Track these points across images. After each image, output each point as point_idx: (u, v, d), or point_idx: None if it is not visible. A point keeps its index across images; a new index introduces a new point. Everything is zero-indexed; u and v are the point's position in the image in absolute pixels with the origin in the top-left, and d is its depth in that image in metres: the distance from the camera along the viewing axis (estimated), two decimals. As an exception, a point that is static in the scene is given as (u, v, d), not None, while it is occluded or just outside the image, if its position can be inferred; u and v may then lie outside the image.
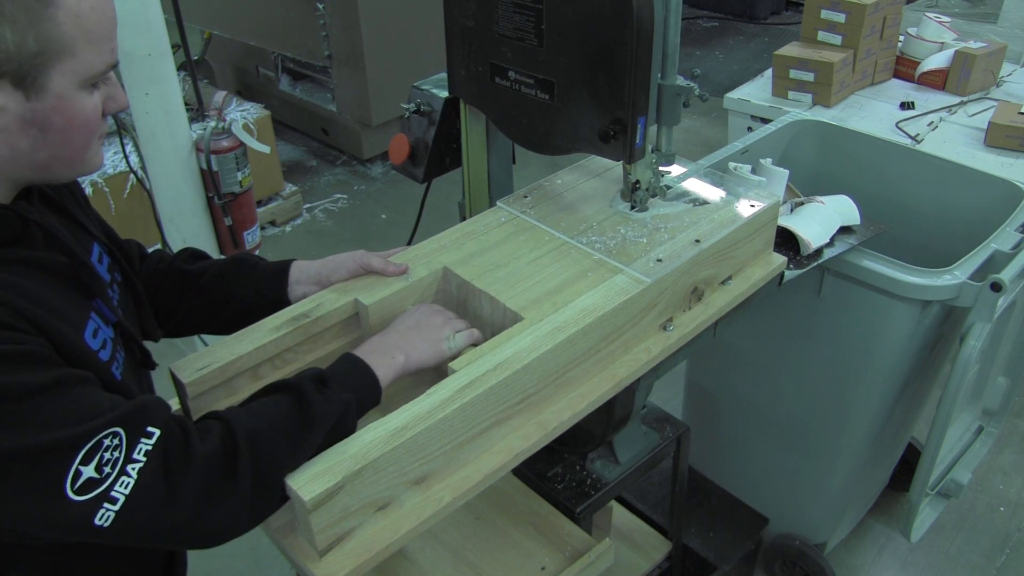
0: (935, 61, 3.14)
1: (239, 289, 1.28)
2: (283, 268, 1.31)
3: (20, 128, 0.88)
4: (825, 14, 3.07)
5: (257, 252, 2.82)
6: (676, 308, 1.36)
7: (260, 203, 4.06)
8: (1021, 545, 2.50)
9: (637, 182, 1.40)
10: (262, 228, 3.79)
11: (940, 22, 3.28)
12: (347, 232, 4.14)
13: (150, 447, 0.89)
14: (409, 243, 1.47)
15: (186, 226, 2.54)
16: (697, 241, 1.36)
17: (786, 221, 1.72)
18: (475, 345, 1.21)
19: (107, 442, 0.86)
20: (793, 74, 3.06)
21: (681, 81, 1.36)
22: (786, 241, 1.72)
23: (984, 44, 3.11)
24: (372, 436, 1.01)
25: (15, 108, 0.87)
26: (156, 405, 0.94)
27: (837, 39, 3.08)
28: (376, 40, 4.10)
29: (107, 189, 3.44)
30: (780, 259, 1.54)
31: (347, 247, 4.26)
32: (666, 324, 1.35)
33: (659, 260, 1.31)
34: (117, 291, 1.11)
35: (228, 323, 1.28)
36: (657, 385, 1.56)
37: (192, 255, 1.34)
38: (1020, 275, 1.76)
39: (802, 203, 1.82)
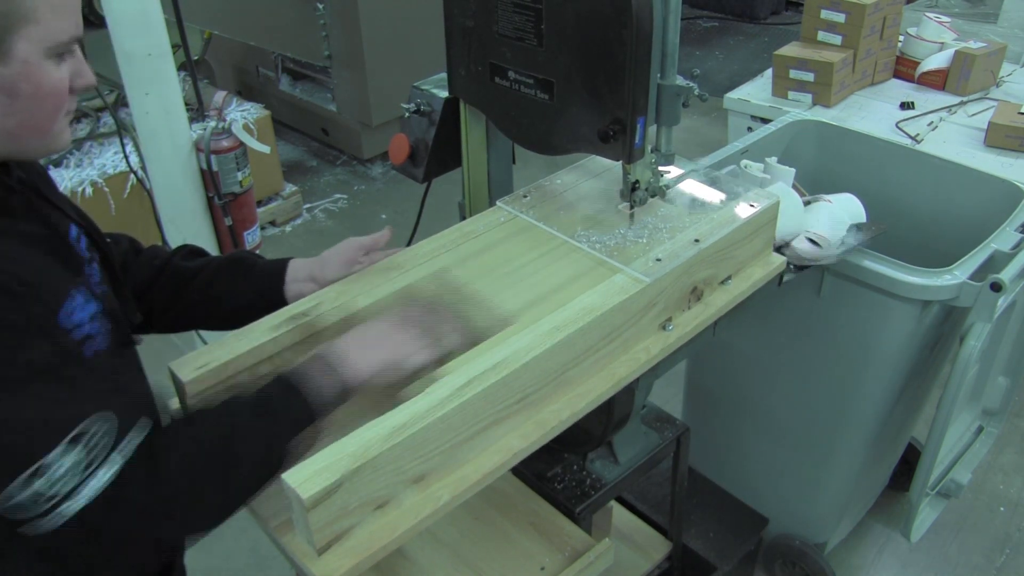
0: (935, 61, 3.14)
1: (236, 287, 1.28)
2: (280, 267, 1.31)
3: None
4: (825, 14, 3.07)
5: (257, 252, 2.83)
6: (675, 308, 1.36)
7: (260, 203, 4.06)
8: (1021, 545, 2.49)
9: (636, 182, 1.40)
10: (262, 228, 3.79)
11: (940, 22, 3.28)
12: (347, 232, 4.14)
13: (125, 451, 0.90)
14: (409, 243, 1.47)
15: (186, 226, 2.54)
16: (696, 241, 1.36)
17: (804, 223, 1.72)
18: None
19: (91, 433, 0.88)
20: (793, 74, 3.06)
21: (681, 81, 1.36)
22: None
23: (984, 44, 3.11)
24: (371, 434, 1.01)
25: None
26: (131, 406, 0.95)
27: (837, 39, 3.08)
28: (376, 40, 4.10)
29: (107, 189, 3.44)
30: (780, 259, 1.54)
31: (347, 247, 4.19)
32: (665, 324, 1.35)
33: (658, 260, 1.31)
34: (97, 270, 1.11)
35: (225, 321, 1.28)
36: (657, 385, 1.56)
37: (191, 252, 1.34)
38: (1020, 275, 1.76)
39: (809, 202, 1.82)
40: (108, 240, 1.23)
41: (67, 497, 0.87)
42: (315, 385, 1.05)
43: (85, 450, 0.88)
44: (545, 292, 1.26)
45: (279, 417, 1.03)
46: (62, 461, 0.86)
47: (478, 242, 1.39)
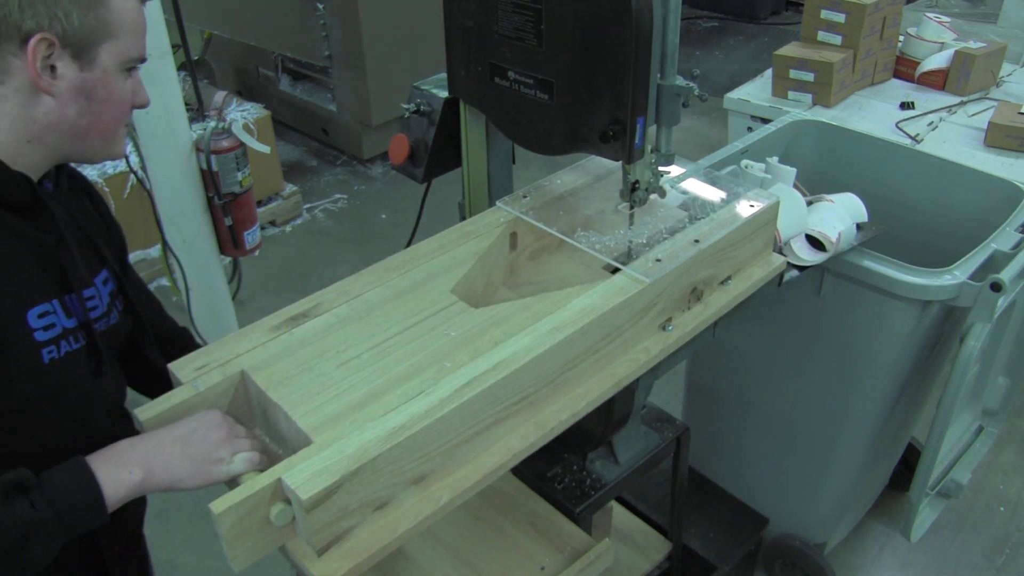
0: (935, 61, 3.14)
1: None
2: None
3: (71, 95, 1.03)
4: (825, 14, 3.07)
5: (257, 252, 2.82)
6: (675, 308, 1.36)
7: (260, 203, 4.06)
8: (1021, 545, 2.49)
9: (636, 182, 1.40)
10: (262, 228, 3.78)
11: (940, 22, 3.27)
12: (347, 232, 4.14)
13: None
14: (409, 243, 1.47)
15: (186, 226, 2.54)
16: (696, 241, 1.36)
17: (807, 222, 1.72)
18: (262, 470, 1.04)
19: None
20: (793, 74, 3.06)
21: (681, 81, 1.35)
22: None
23: (984, 44, 3.11)
24: (370, 435, 1.01)
25: (70, 77, 1.02)
26: None
27: (837, 39, 3.08)
28: (376, 40, 4.10)
29: (107, 189, 3.44)
30: (780, 259, 1.54)
31: (347, 247, 4.25)
32: (665, 324, 1.35)
33: (658, 260, 1.31)
34: (116, 317, 1.19)
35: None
36: (657, 385, 1.56)
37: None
38: (1020, 275, 1.76)
39: (811, 202, 1.82)
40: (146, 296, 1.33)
41: None
42: (109, 479, 0.98)
43: None
44: (356, 402, 1.10)
45: (58, 504, 0.94)
46: None
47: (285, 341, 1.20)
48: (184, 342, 1.42)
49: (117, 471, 0.99)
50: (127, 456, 1.01)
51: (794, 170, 1.83)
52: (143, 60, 1.10)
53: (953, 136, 2.81)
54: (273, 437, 1.14)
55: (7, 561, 0.91)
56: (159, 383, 1.19)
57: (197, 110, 3.33)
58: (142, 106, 1.13)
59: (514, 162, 1.69)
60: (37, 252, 1.05)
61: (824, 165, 2.32)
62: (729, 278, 1.45)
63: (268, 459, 1.07)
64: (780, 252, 1.62)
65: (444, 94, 1.62)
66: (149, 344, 1.27)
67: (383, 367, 1.14)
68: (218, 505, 0.94)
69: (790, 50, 3.10)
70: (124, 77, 1.08)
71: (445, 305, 1.27)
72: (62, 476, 0.97)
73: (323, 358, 1.16)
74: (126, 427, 1.16)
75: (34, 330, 1.02)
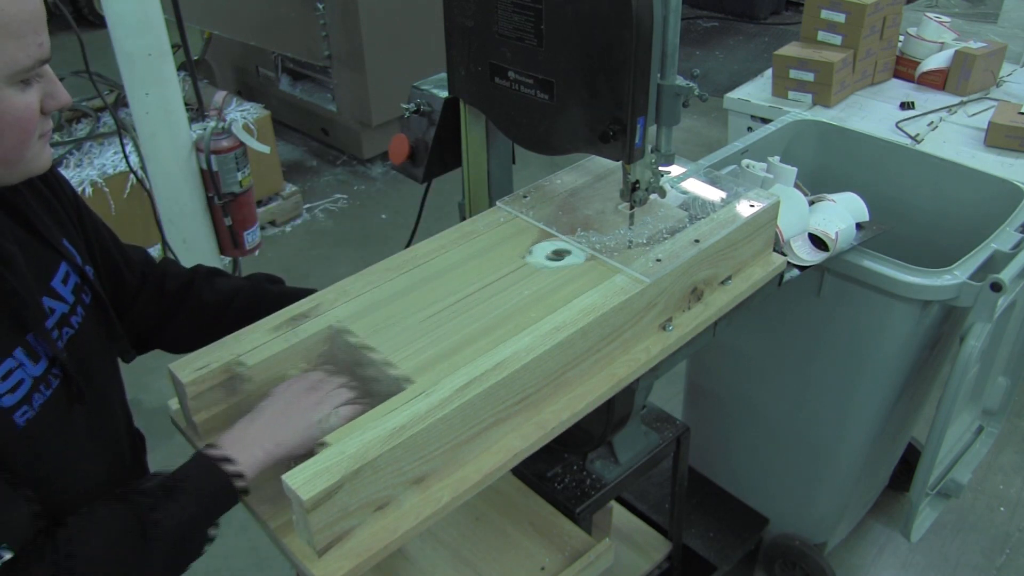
0: (935, 61, 3.14)
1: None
2: (306, 293, 1.31)
3: None
4: (825, 14, 3.07)
5: (257, 252, 2.83)
6: (676, 308, 1.36)
7: (260, 203, 4.06)
8: (1021, 545, 2.49)
9: (636, 182, 1.40)
10: (262, 228, 3.79)
11: (940, 22, 3.28)
12: (347, 232, 4.14)
13: None
14: (409, 243, 1.47)
15: (186, 226, 2.54)
16: (696, 241, 1.36)
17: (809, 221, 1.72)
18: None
19: None
20: (793, 74, 3.06)
21: (681, 81, 1.35)
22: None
23: (984, 44, 3.12)
24: (371, 436, 1.01)
25: None
26: (13, 524, 0.90)
27: (837, 39, 3.08)
28: (376, 40, 4.10)
29: (107, 189, 3.44)
30: (780, 259, 1.54)
31: (347, 247, 4.25)
32: (665, 324, 1.35)
33: (658, 260, 1.31)
34: (81, 313, 1.07)
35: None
36: (657, 385, 1.56)
37: (208, 275, 1.31)
38: (1020, 275, 1.76)
39: (813, 202, 1.82)
40: (120, 255, 1.23)
41: None
42: (235, 463, 1.02)
43: None
44: (444, 352, 1.17)
45: (198, 498, 0.99)
46: None
47: (374, 293, 1.30)
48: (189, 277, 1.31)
49: (242, 455, 1.03)
50: (247, 440, 1.05)
51: (795, 169, 1.83)
52: (45, 61, 0.89)
53: (953, 136, 2.81)
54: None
55: (169, 563, 0.97)
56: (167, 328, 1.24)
57: (197, 110, 3.34)
58: (60, 109, 0.94)
59: (514, 162, 1.69)
60: None
61: (824, 165, 2.32)
62: (729, 278, 1.45)
63: (363, 406, 1.12)
64: (780, 252, 1.62)
65: (444, 94, 1.62)
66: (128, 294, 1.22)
67: (466, 320, 1.22)
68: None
69: (790, 50, 3.10)
70: (18, 91, 0.87)
71: (515, 268, 1.33)
72: (195, 470, 1.01)
73: (407, 314, 1.23)
74: (118, 447, 1.15)
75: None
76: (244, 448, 1.04)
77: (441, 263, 1.36)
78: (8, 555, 0.87)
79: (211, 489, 1.01)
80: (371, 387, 1.17)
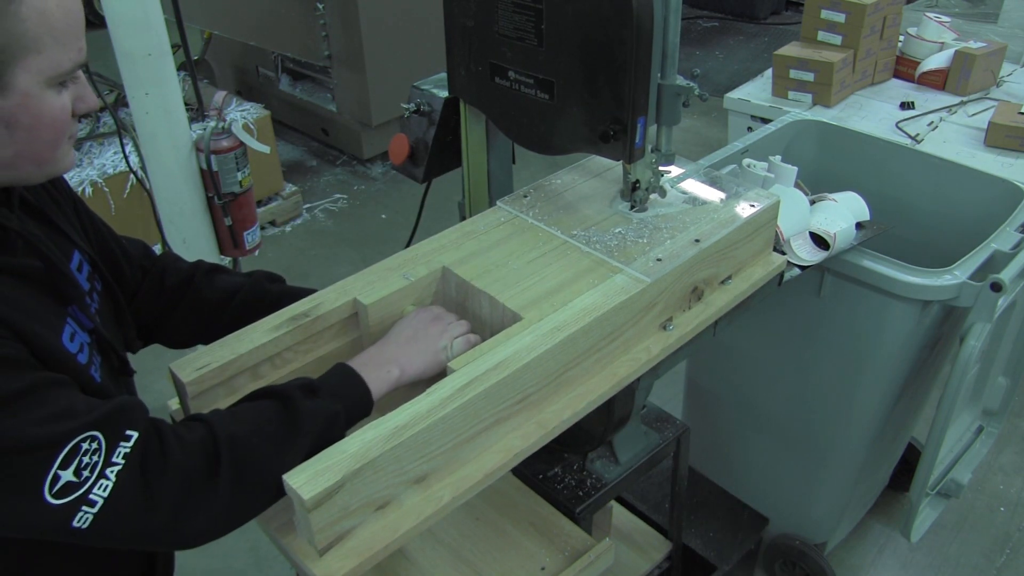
0: (935, 61, 3.14)
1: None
2: (306, 292, 1.31)
3: None
4: (825, 14, 3.07)
5: (257, 252, 2.83)
6: (676, 308, 1.36)
7: (260, 203, 4.06)
8: (1021, 545, 2.50)
9: (637, 182, 1.40)
10: (262, 228, 3.79)
11: (940, 22, 3.28)
12: (347, 232, 4.14)
13: (128, 450, 0.89)
14: (409, 243, 1.47)
15: (186, 226, 2.54)
16: (697, 241, 1.36)
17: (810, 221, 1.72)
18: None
19: (85, 446, 0.86)
20: (793, 74, 3.06)
21: (681, 81, 1.36)
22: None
23: (984, 44, 3.12)
24: (372, 435, 1.01)
25: None
26: (134, 407, 0.93)
27: (837, 39, 3.08)
28: (376, 40, 4.10)
29: (107, 189, 3.44)
30: (780, 259, 1.54)
31: (347, 247, 4.25)
32: (666, 324, 1.35)
33: (659, 260, 1.31)
34: (96, 300, 1.11)
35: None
36: (657, 385, 1.56)
37: (210, 271, 1.32)
38: (1020, 275, 1.76)
39: (814, 201, 1.82)
40: (119, 250, 1.24)
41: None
42: (373, 377, 1.10)
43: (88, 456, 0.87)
44: (545, 292, 1.26)
45: (342, 398, 1.06)
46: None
47: (478, 242, 1.39)
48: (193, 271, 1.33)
49: (378, 371, 1.11)
50: (382, 358, 1.14)
51: (796, 169, 1.83)
52: (82, 65, 0.94)
53: (953, 136, 2.81)
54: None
55: (309, 454, 1.00)
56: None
57: (197, 110, 3.34)
58: (88, 112, 0.98)
59: (514, 162, 1.69)
60: (35, 281, 0.96)
61: (824, 165, 2.32)
62: (730, 277, 1.46)
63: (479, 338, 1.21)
64: (780, 251, 1.62)
65: (444, 94, 1.62)
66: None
67: (564, 266, 1.32)
68: None
69: (790, 50, 3.10)
70: (55, 93, 0.91)
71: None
72: (336, 379, 1.08)
73: (510, 259, 1.33)
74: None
75: (75, 355, 0.96)
76: (377, 367, 1.11)
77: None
78: (135, 435, 0.90)
79: (351, 393, 1.07)
80: (480, 323, 1.28)
